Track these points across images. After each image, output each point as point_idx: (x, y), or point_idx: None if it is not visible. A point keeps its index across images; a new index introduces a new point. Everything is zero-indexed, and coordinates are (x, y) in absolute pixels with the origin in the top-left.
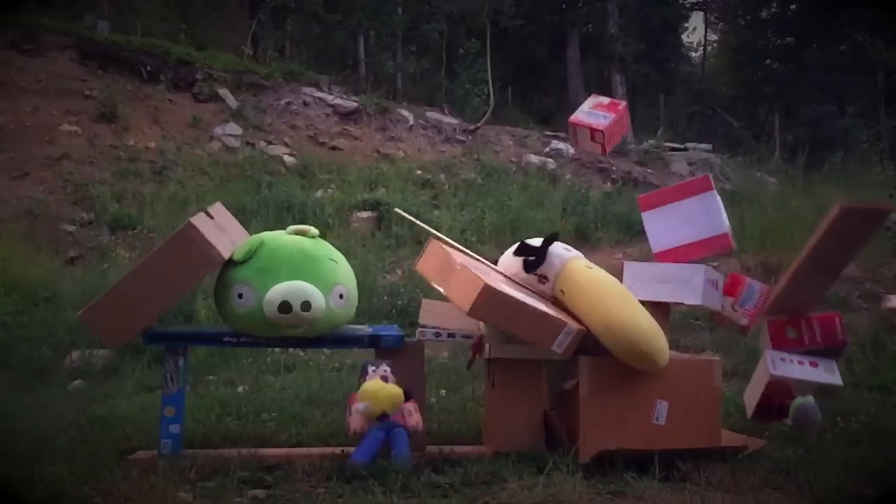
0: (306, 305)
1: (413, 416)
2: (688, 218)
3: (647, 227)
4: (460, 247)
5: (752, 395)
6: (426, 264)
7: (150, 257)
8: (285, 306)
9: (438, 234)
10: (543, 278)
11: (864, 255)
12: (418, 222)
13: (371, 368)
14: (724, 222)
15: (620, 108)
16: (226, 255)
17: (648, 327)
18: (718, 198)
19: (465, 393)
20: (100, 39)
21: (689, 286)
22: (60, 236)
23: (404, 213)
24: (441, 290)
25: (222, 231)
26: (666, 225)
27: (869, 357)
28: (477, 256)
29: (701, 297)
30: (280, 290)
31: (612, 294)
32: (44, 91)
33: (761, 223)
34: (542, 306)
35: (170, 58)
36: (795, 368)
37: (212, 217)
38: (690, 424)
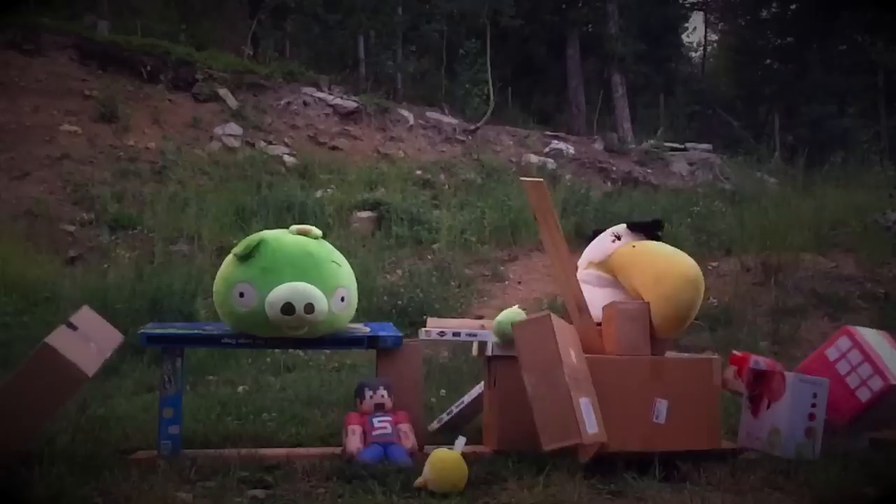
0: (309, 308)
1: (409, 439)
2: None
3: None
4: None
5: None
6: (527, 334)
7: (4, 384)
8: (288, 308)
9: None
10: (618, 238)
11: (864, 255)
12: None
13: (368, 393)
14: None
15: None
16: (91, 371)
17: (691, 288)
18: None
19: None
20: (100, 39)
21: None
22: (60, 236)
23: (530, 179)
24: (525, 369)
25: (86, 341)
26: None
27: None
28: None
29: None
30: (283, 291)
31: (668, 255)
32: (44, 91)
33: (761, 223)
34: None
35: (170, 58)
36: None
37: (75, 327)
38: (690, 423)
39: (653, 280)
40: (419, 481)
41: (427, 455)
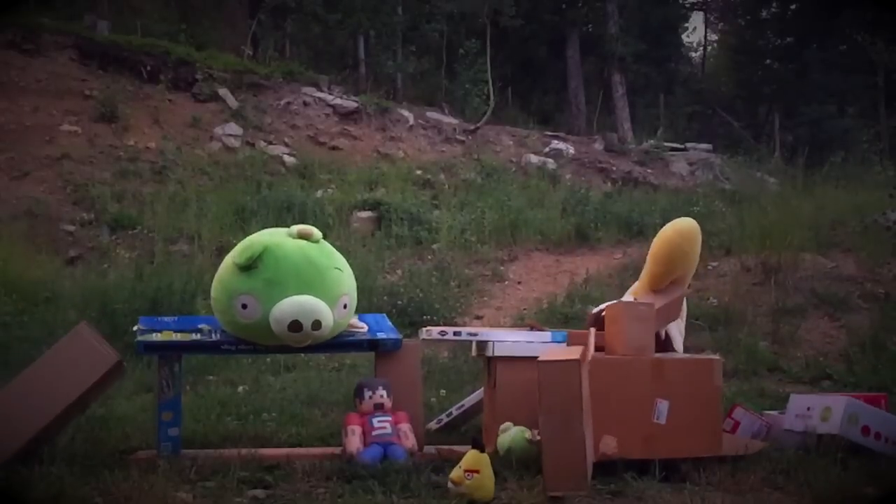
0: (317, 325)
1: (409, 439)
2: None
3: None
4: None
5: None
6: (552, 376)
7: (40, 361)
8: (296, 325)
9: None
10: None
11: (864, 255)
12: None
13: (368, 393)
14: None
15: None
16: (118, 356)
17: (679, 225)
18: None
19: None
20: (100, 39)
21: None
22: (60, 236)
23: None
24: (544, 409)
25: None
26: None
27: (869, 357)
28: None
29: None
30: (290, 308)
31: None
32: (44, 91)
33: (761, 223)
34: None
35: (170, 58)
36: None
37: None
38: (691, 424)
39: (657, 237)
40: (456, 475)
41: (426, 455)
